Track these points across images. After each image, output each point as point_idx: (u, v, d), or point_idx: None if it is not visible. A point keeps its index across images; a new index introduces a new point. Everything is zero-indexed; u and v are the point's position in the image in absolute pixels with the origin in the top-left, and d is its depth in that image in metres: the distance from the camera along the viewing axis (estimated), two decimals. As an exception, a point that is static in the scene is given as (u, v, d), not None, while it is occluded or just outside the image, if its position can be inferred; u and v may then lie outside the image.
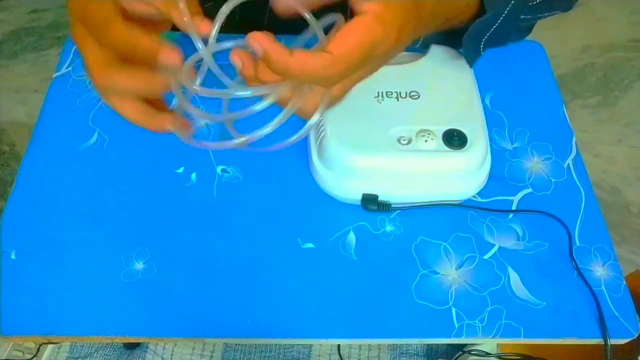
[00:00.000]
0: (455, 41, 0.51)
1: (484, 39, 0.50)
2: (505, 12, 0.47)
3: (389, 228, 0.50)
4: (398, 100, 0.51)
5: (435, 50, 0.55)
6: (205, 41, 0.32)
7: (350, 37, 0.31)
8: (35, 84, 1.58)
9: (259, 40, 0.29)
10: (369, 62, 0.33)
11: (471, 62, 0.53)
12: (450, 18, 0.45)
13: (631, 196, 1.39)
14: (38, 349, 1.01)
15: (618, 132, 1.52)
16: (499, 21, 0.48)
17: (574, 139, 0.57)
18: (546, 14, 0.54)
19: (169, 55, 0.32)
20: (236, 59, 0.31)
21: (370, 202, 0.49)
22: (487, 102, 0.59)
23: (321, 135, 0.50)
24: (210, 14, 0.93)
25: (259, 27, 0.86)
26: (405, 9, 0.34)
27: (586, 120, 1.54)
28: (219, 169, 0.53)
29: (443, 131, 0.49)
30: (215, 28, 0.32)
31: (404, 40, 0.35)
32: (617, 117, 1.55)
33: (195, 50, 0.32)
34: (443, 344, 0.97)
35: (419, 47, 0.56)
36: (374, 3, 0.32)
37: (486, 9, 0.45)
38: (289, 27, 0.71)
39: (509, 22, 0.49)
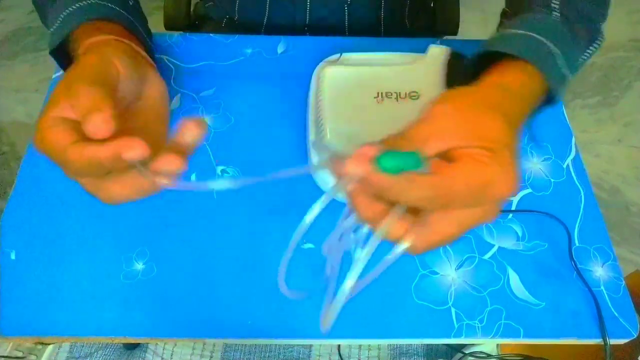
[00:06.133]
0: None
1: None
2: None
3: (388, 228, 0.50)
4: (398, 100, 0.52)
5: (435, 51, 0.55)
6: None
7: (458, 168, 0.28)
8: (35, 84, 1.57)
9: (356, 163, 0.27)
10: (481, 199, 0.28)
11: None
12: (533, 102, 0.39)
13: (631, 196, 1.39)
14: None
15: (618, 132, 1.52)
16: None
17: (573, 140, 0.57)
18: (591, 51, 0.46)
19: (130, 147, 0.28)
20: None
21: (370, 202, 0.49)
22: (487, 102, 0.59)
23: (321, 135, 0.50)
24: (210, 13, 0.93)
25: (258, 29, 0.85)
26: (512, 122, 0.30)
27: (586, 120, 1.54)
28: (218, 169, 0.53)
29: (443, 132, 0.49)
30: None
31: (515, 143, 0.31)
32: (617, 117, 1.55)
33: None
34: (443, 344, 0.97)
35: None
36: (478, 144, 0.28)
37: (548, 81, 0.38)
38: (287, 30, 0.71)
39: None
